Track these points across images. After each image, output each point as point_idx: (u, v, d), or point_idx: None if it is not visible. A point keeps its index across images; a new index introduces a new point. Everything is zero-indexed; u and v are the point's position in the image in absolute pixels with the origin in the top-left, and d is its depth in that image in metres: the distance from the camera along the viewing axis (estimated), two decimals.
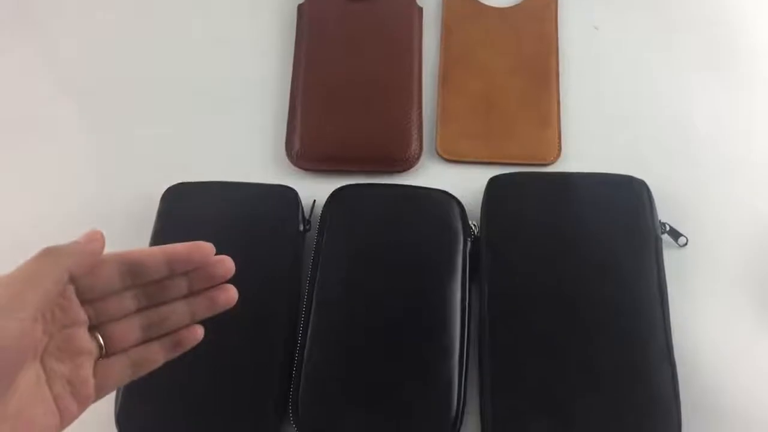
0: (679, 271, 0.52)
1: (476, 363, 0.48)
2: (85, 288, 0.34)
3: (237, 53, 0.63)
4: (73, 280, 0.33)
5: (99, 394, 0.35)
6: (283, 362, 0.47)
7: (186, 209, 0.53)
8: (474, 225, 0.52)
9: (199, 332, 0.39)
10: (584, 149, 0.58)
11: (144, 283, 0.36)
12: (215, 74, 0.62)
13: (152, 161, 0.58)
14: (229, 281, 0.44)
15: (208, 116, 0.60)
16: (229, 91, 0.61)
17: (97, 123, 0.60)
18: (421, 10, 0.63)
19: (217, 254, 0.47)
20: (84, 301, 0.34)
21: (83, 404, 0.34)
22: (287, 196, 0.53)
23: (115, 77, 0.62)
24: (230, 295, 0.39)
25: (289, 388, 0.46)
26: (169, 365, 0.45)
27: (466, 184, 0.55)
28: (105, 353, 0.35)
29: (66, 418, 0.33)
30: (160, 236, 0.51)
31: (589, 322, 0.47)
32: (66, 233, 0.52)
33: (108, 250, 0.52)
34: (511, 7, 0.63)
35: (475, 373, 0.48)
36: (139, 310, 0.36)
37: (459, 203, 0.53)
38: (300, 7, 0.63)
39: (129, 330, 0.36)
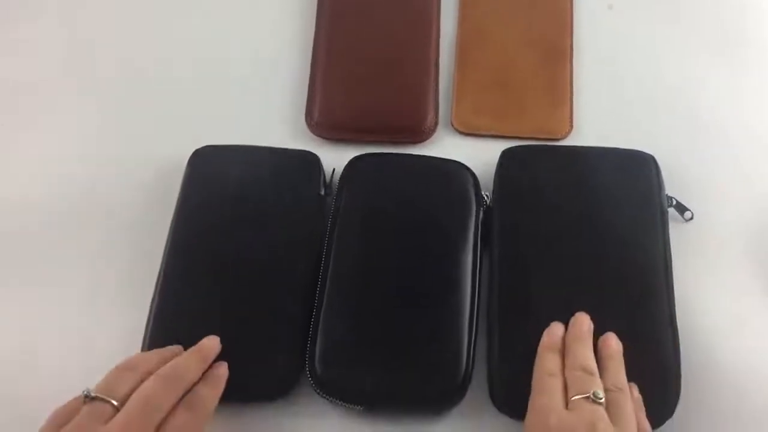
0: (684, 244, 0.53)
1: (486, 327, 0.50)
2: None
3: (260, 25, 0.64)
4: None
5: None
6: (301, 320, 0.49)
7: (212, 171, 0.54)
8: (486, 195, 0.54)
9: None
10: (595, 125, 0.59)
11: None
12: (240, 45, 0.63)
13: (180, 129, 0.59)
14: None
15: (231, 86, 0.61)
16: (251, 61, 0.63)
17: (124, 90, 0.62)
18: None
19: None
20: None
21: None
22: (309, 160, 0.55)
23: (141, 46, 0.64)
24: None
25: (306, 345, 0.48)
26: (190, 321, 0.48)
27: (480, 155, 0.56)
28: None
29: None
30: (187, 196, 0.53)
31: (595, 289, 0.49)
32: (96, 195, 0.57)
33: (137, 207, 0.56)
34: None
35: (484, 337, 0.49)
36: None
37: (472, 174, 0.54)
38: None
39: None
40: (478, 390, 0.48)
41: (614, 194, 0.53)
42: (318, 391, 0.47)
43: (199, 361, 0.43)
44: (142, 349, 0.48)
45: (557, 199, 0.53)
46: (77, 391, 0.39)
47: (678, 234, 0.53)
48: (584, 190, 0.53)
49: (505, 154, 0.55)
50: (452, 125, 0.59)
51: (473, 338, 0.48)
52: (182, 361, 0.42)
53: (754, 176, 0.57)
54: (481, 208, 0.53)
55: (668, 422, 0.46)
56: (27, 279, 0.54)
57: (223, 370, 0.44)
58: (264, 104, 0.61)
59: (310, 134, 0.59)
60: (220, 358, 0.46)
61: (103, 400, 0.37)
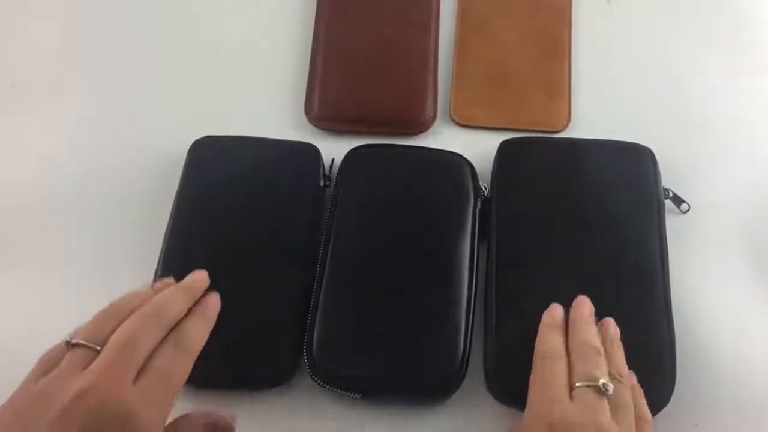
0: (680, 236, 0.53)
1: (482, 317, 0.50)
2: None
3: (260, 16, 0.65)
4: None
5: None
6: (299, 309, 0.49)
7: (212, 161, 0.54)
8: (484, 186, 0.54)
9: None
10: (593, 118, 0.59)
11: None
12: (239, 37, 0.64)
13: (179, 119, 0.60)
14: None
15: (231, 77, 0.62)
16: (252, 53, 0.63)
17: (127, 80, 0.62)
18: None
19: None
20: None
21: None
22: (309, 151, 0.55)
23: (143, 37, 0.64)
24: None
25: (304, 334, 0.48)
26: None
27: (478, 147, 0.57)
28: None
29: None
30: (187, 186, 0.53)
31: (592, 279, 0.49)
32: (96, 183, 0.57)
33: (137, 196, 0.56)
34: None
35: (481, 327, 0.49)
36: None
37: (470, 165, 0.54)
38: None
39: None
40: (474, 378, 0.48)
41: (611, 186, 0.53)
42: (315, 379, 0.47)
43: (184, 294, 0.39)
44: None
45: (555, 191, 0.53)
46: None
47: (674, 225, 0.53)
48: (582, 181, 0.53)
49: (504, 146, 0.55)
50: (451, 117, 0.60)
51: (470, 327, 0.48)
52: (165, 296, 0.39)
53: (750, 168, 0.57)
54: (479, 199, 0.53)
55: (664, 410, 0.46)
56: (26, 264, 0.54)
57: (212, 300, 0.41)
58: (264, 96, 0.61)
59: (310, 126, 0.59)
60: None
61: (84, 346, 0.35)
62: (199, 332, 0.38)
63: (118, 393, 0.33)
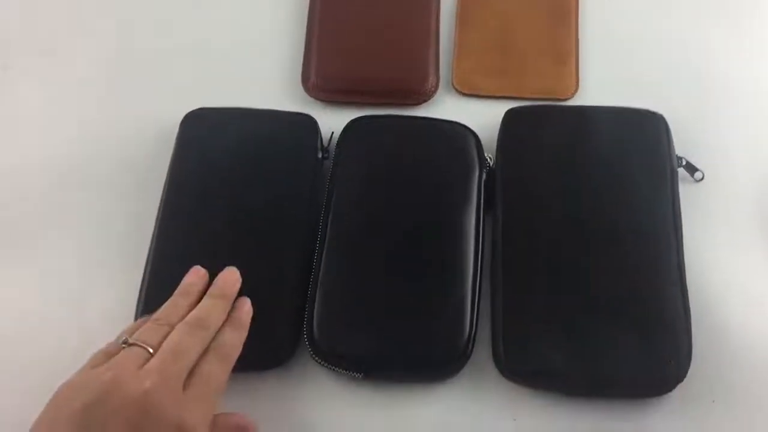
0: (694, 205, 0.52)
1: (489, 291, 0.48)
2: None
3: None
4: None
5: None
6: (299, 285, 0.48)
7: (206, 134, 0.53)
8: (489, 157, 0.52)
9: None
10: (602, 85, 0.57)
11: None
12: (232, 3, 0.62)
13: (170, 90, 0.58)
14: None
15: (224, 46, 0.60)
16: (246, 21, 0.61)
17: (113, 50, 0.60)
18: None
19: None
20: None
21: None
22: (306, 123, 0.53)
23: (140, 9, 0.62)
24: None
25: (303, 312, 0.47)
26: None
27: (482, 117, 0.55)
28: None
29: None
30: (179, 161, 0.52)
31: (603, 249, 0.48)
32: (85, 159, 0.55)
33: (128, 174, 0.55)
34: None
35: (487, 301, 0.48)
36: None
37: (475, 135, 0.53)
38: None
39: None
40: (481, 355, 0.47)
41: (622, 154, 0.51)
42: (316, 358, 0.46)
43: (223, 303, 0.44)
44: (136, 315, 0.47)
45: (563, 160, 0.51)
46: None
47: (688, 194, 0.51)
48: (591, 150, 0.51)
49: (509, 115, 0.54)
50: (453, 86, 0.58)
51: (476, 302, 0.47)
52: (208, 308, 0.43)
53: (765, 135, 0.55)
54: (484, 170, 0.51)
55: (679, 386, 0.44)
56: (14, 243, 0.53)
57: (245, 310, 0.45)
58: (259, 65, 0.59)
59: (307, 97, 0.57)
60: None
61: (141, 346, 0.39)
62: (236, 341, 0.43)
63: (174, 398, 0.37)
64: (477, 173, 0.51)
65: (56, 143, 0.56)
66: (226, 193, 0.50)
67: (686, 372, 0.44)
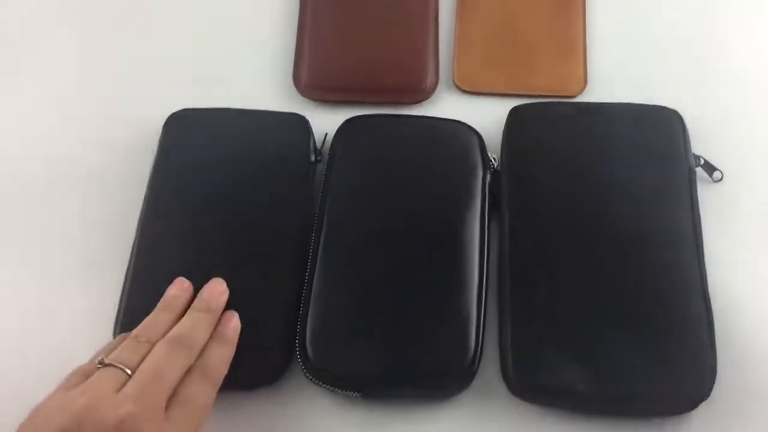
0: (714, 207, 0.49)
1: (496, 302, 0.46)
2: None
3: None
4: None
5: None
6: (290, 299, 0.45)
7: (190, 137, 0.51)
8: (494, 158, 0.51)
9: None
10: (612, 81, 0.55)
11: None
12: (221, 2, 0.60)
13: (154, 89, 0.56)
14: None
15: (210, 42, 0.58)
16: (233, 17, 0.59)
17: (94, 48, 0.59)
18: None
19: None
20: None
21: None
22: (298, 123, 0.51)
23: (124, 4, 0.60)
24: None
25: (296, 327, 0.45)
26: None
27: (485, 115, 0.53)
28: None
29: None
30: (162, 166, 0.50)
31: (618, 256, 0.45)
32: (62, 163, 0.53)
33: (107, 179, 0.52)
34: None
35: (494, 311, 0.46)
36: None
37: (478, 135, 0.51)
38: None
39: None
40: (488, 371, 0.45)
41: (636, 154, 0.49)
42: (310, 377, 0.44)
43: (207, 318, 0.42)
44: (115, 331, 0.45)
45: (573, 161, 0.49)
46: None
47: (706, 196, 0.49)
48: (602, 149, 0.49)
49: (514, 113, 0.52)
50: (454, 83, 0.56)
51: (482, 314, 0.45)
52: (191, 323, 0.41)
53: None
54: (488, 172, 0.49)
55: (703, 404, 0.42)
56: None
57: (233, 322, 0.43)
58: (247, 63, 0.57)
59: (299, 96, 0.55)
60: None
61: (117, 367, 0.37)
62: (223, 359, 0.41)
63: (154, 424, 0.35)
64: (480, 175, 0.49)
65: (30, 146, 0.54)
66: (211, 199, 0.48)
67: (710, 389, 0.42)
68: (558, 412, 0.43)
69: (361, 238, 0.47)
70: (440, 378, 0.43)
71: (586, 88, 0.55)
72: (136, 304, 0.45)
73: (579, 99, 0.54)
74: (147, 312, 0.42)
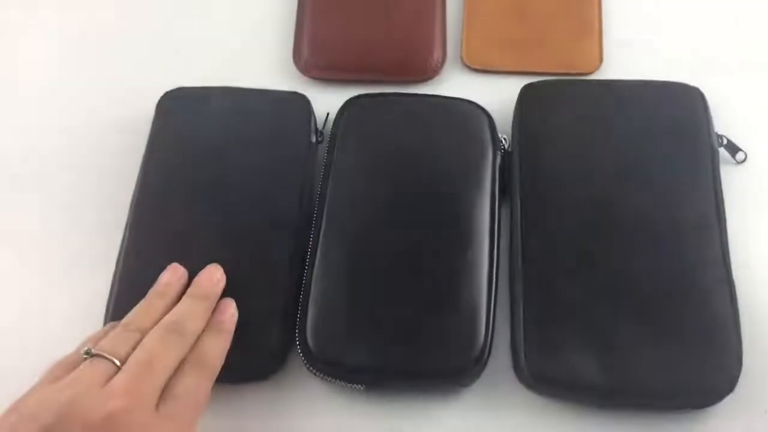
0: (737, 189, 0.47)
1: (507, 289, 0.45)
2: None
3: None
4: None
5: None
6: (290, 287, 0.44)
7: (184, 117, 0.49)
8: (505, 138, 0.49)
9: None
10: (629, 57, 0.54)
11: None
12: None
13: (145, 67, 0.55)
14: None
15: (205, 18, 0.57)
16: None
17: (83, 22, 0.57)
18: None
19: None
20: None
21: None
22: (298, 102, 0.50)
23: None
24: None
25: (296, 314, 0.43)
26: None
27: (495, 94, 0.52)
28: None
29: None
30: (154, 148, 0.48)
31: (637, 241, 0.43)
32: (49, 146, 0.51)
33: (100, 164, 0.51)
34: None
35: (505, 300, 0.44)
36: None
37: (488, 114, 0.49)
38: None
39: None
40: (500, 362, 0.43)
41: (655, 134, 0.47)
42: (311, 369, 0.42)
43: (203, 305, 0.40)
44: (105, 320, 0.43)
45: (588, 142, 0.47)
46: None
47: (730, 178, 0.47)
48: (619, 130, 0.47)
49: (526, 92, 0.50)
50: (462, 60, 0.54)
51: (493, 302, 0.43)
52: (185, 310, 0.39)
53: None
54: (499, 153, 0.48)
55: (728, 397, 0.40)
56: None
57: (230, 310, 0.41)
58: (245, 40, 0.56)
59: (300, 74, 0.54)
60: None
61: (105, 358, 0.35)
62: (219, 349, 0.39)
63: (144, 420, 0.33)
64: (491, 157, 0.47)
65: (15, 130, 0.53)
66: (205, 183, 0.47)
67: (736, 381, 0.40)
68: (571, 405, 0.42)
69: (364, 223, 0.45)
70: (448, 369, 0.42)
71: (602, 66, 0.53)
72: (126, 292, 0.43)
73: (594, 77, 0.53)
74: (138, 300, 0.41)
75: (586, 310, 0.42)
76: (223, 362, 0.39)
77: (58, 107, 0.53)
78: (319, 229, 0.45)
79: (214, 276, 0.42)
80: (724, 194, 0.45)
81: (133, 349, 0.36)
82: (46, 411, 0.33)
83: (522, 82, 0.51)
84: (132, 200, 0.46)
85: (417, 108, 0.50)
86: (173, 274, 0.42)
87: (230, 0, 0.57)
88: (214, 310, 0.41)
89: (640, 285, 0.42)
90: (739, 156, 0.48)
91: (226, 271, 0.43)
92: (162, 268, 0.42)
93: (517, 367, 0.42)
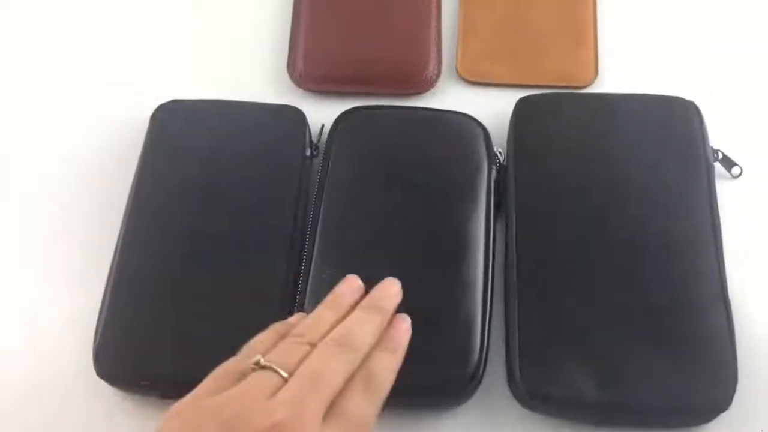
0: (733, 204, 0.48)
1: (503, 304, 0.45)
2: None
3: None
4: None
5: None
6: (284, 300, 0.44)
7: (179, 130, 0.50)
8: (500, 152, 0.49)
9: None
10: (624, 70, 0.54)
11: None
12: None
13: (140, 80, 0.55)
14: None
15: (201, 33, 0.57)
16: (225, 3, 0.58)
17: (78, 35, 0.57)
18: None
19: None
20: None
21: None
22: (292, 116, 0.50)
23: None
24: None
25: None
26: (152, 303, 0.44)
27: (491, 107, 0.52)
28: None
29: None
30: (148, 161, 0.48)
31: (632, 258, 0.44)
32: (44, 158, 0.51)
33: (93, 176, 0.51)
34: None
35: (500, 314, 0.44)
36: None
37: (483, 128, 0.49)
38: None
39: None
40: (494, 379, 0.43)
41: (650, 148, 0.47)
42: None
43: (377, 320, 0.37)
44: (96, 333, 0.43)
45: (583, 155, 0.48)
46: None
47: (725, 192, 0.48)
48: (615, 143, 0.48)
49: (521, 105, 0.50)
50: (458, 73, 0.55)
51: (488, 318, 0.43)
52: (357, 323, 0.37)
53: None
54: (494, 167, 0.48)
55: (722, 415, 0.40)
56: None
57: (404, 328, 0.38)
58: (239, 52, 0.56)
59: (294, 87, 0.54)
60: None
61: (274, 370, 0.33)
62: (390, 371, 0.36)
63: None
64: (486, 171, 0.47)
65: (9, 141, 0.53)
66: (199, 197, 0.47)
67: (731, 399, 0.40)
68: (567, 422, 0.42)
69: (358, 237, 0.45)
70: (442, 386, 0.42)
71: (598, 78, 0.54)
72: (119, 304, 0.43)
73: (590, 90, 0.53)
74: (130, 309, 0.41)
75: (582, 325, 0.42)
76: (392, 383, 0.36)
77: (52, 120, 0.54)
78: (313, 244, 0.45)
79: (391, 290, 0.39)
80: (719, 209, 0.46)
81: (301, 361, 0.35)
82: (211, 423, 0.32)
83: (517, 94, 0.51)
84: (125, 209, 0.47)
85: (412, 121, 0.50)
86: (349, 286, 0.39)
87: (225, 12, 0.58)
88: (388, 325, 0.38)
89: (635, 300, 0.42)
90: (735, 170, 0.49)
91: (220, 285, 0.42)
92: (153, 278, 0.42)
93: (512, 384, 0.42)
